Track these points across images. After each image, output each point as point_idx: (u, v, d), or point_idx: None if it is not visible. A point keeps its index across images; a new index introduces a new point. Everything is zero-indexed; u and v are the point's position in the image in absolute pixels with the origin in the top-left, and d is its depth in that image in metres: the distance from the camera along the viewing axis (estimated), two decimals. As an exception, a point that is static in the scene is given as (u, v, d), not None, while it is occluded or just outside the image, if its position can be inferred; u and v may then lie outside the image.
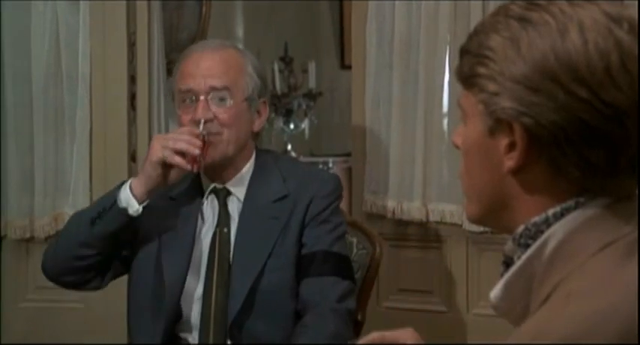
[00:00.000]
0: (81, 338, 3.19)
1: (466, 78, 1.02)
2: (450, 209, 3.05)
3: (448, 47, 3.04)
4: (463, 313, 3.10)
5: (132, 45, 3.26)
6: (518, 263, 1.00)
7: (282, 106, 5.32)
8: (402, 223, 3.14)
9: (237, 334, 2.05)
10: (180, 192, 2.15)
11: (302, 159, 4.88)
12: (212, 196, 2.14)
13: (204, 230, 2.12)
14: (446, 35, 3.05)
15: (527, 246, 0.99)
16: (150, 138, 3.06)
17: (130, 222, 2.04)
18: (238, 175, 2.14)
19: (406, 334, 1.48)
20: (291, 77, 5.50)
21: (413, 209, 3.09)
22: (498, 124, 0.98)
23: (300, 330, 2.02)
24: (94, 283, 2.14)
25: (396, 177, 3.13)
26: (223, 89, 2.06)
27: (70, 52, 3.21)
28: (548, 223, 0.98)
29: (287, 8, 5.70)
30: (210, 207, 2.14)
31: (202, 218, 2.13)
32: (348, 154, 3.73)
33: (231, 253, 2.09)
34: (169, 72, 3.87)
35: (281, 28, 5.62)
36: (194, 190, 2.15)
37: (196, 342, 2.08)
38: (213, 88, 2.06)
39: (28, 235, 3.22)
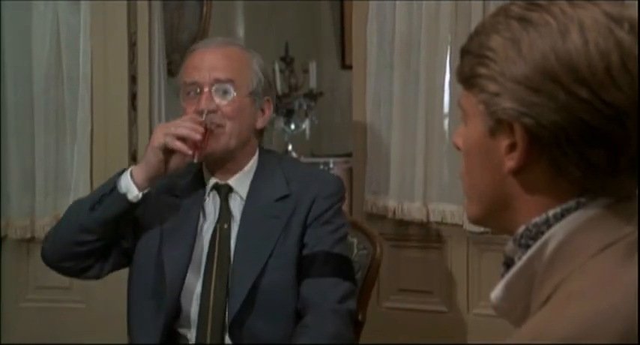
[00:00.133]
0: (81, 338, 3.19)
1: (467, 78, 1.02)
2: (450, 209, 3.05)
3: (449, 47, 3.04)
4: (463, 313, 3.10)
5: (133, 45, 3.26)
6: (518, 264, 1.00)
7: (282, 106, 5.31)
8: (402, 224, 3.15)
9: (237, 333, 2.05)
10: (183, 188, 2.16)
11: (303, 159, 4.88)
12: (214, 193, 2.15)
13: (205, 226, 2.13)
14: (447, 35, 3.05)
15: (528, 246, 0.99)
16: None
17: (130, 209, 2.04)
18: (240, 172, 2.15)
19: None
20: (291, 77, 5.49)
21: (413, 209, 3.10)
22: (499, 125, 0.98)
23: (300, 330, 2.02)
24: (93, 272, 2.14)
25: (396, 177, 3.13)
26: (227, 82, 2.08)
27: (71, 52, 3.21)
28: (548, 223, 0.98)
29: (288, 8, 5.69)
30: (211, 203, 2.14)
31: (204, 214, 2.14)
32: (349, 155, 3.73)
33: (232, 251, 2.09)
34: (170, 72, 3.89)
35: (282, 28, 5.62)
36: (196, 186, 2.16)
37: (195, 338, 2.08)
38: (217, 81, 2.07)
39: (28, 235, 3.23)
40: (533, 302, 0.98)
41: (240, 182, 2.14)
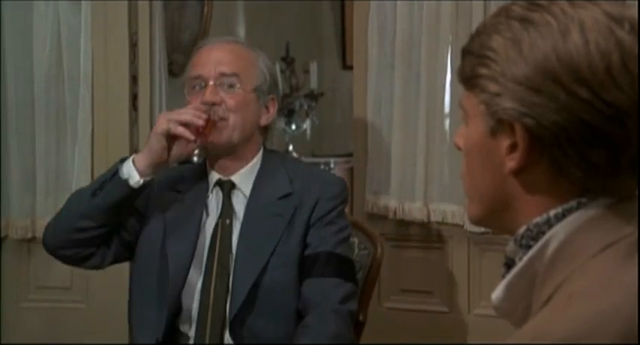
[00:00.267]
0: (82, 338, 3.19)
1: (468, 79, 1.02)
2: (451, 210, 3.05)
3: (450, 47, 3.04)
4: (464, 313, 3.10)
5: (133, 45, 3.26)
6: (519, 264, 1.00)
7: (283, 106, 5.31)
8: (403, 224, 3.15)
9: (238, 331, 2.05)
10: (186, 184, 2.17)
11: (303, 159, 4.88)
12: (217, 189, 2.16)
13: (208, 222, 2.14)
14: (447, 35, 3.05)
15: (529, 247, 0.99)
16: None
17: (131, 195, 2.05)
18: (244, 169, 2.16)
19: None
20: (292, 77, 5.49)
21: (414, 209, 3.10)
22: (500, 125, 0.98)
23: (301, 330, 2.02)
24: (94, 261, 2.14)
25: (397, 177, 3.13)
26: (232, 76, 2.10)
27: (72, 52, 3.21)
28: (549, 223, 0.98)
29: (288, 8, 5.70)
30: (215, 199, 2.15)
31: (207, 210, 2.15)
32: (350, 155, 3.73)
33: (234, 248, 2.10)
34: (171, 72, 3.90)
35: (282, 28, 5.62)
36: (200, 182, 2.17)
37: (194, 334, 2.08)
38: (222, 74, 2.10)
39: (29, 235, 3.23)
40: (535, 302, 0.97)
41: (244, 179, 2.15)
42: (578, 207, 0.97)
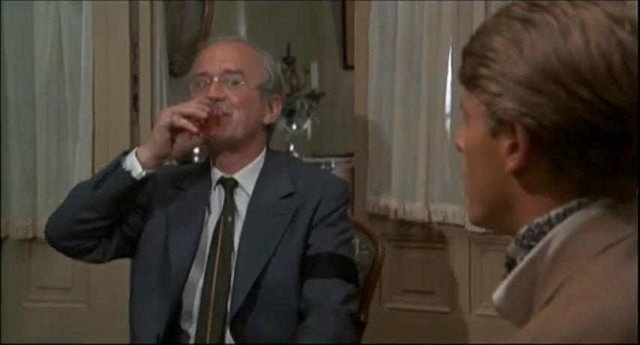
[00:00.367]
0: (82, 338, 3.19)
1: (468, 79, 1.02)
2: (452, 210, 3.05)
3: (451, 47, 3.04)
4: (465, 313, 3.10)
5: (134, 45, 3.26)
6: (520, 265, 1.00)
7: (284, 106, 5.31)
8: (404, 224, 3.14)
9: (239, 330, 2.06)
10: (190, 182, 2.19)
11: (304, 159, 4.88)
12: (220, 187, 2.17)
13: (210, 219, 2.14)
14: (448, 35, 3.04)
15: (530, 247, 0.99)
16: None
17: (133, 187, 2.06)
18: (247, 168, 2.17)
19: None
20: (293, 78, 5.49)
21: (415, 210, 3.09)
22: (500, 125, 0.98)
23: (302, 331, 2.02)
24: (96, 254, 2.14)
25: (398, 177, 3.13)
26: (237, 73, 2.13)
27: (73, 52, 3.21)
28: (550, 224, 0.98)
29: (289, 8, 5.69)
30: (217, 197, 2.16)
31: (209, 208, 2.16)
32: (351, 155, 3.73)
33: (236, 246, 2.10)
34: (172, 72, 3.89)
35: (283, 28, 5.62)
36: (203, 180, 2.18)
37: (195, 331, 2.08)
38: (227, 71, 2.12)
39: (30, 235, 3.23)
40: (536, 303, 0.98)
41: (246, 177, 2.16)
42: (579, 207, 0.97)
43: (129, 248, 2.18)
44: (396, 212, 3.12)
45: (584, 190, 0.97)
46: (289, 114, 5.26)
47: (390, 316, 3.15)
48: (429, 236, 3.15)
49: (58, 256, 3.24)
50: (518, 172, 0.98)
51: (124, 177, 2.04)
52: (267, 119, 2.19)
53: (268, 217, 2.11)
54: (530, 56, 0.95)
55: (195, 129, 2.03)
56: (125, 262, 3.07)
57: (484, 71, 0.99)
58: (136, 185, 2.05)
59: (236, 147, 2.14)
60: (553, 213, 0.98)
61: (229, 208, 2.14)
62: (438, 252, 3.14)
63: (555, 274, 0.96)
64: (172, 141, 2.06)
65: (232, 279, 2.08)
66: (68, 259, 3.23)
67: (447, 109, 3.06)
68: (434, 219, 3.10)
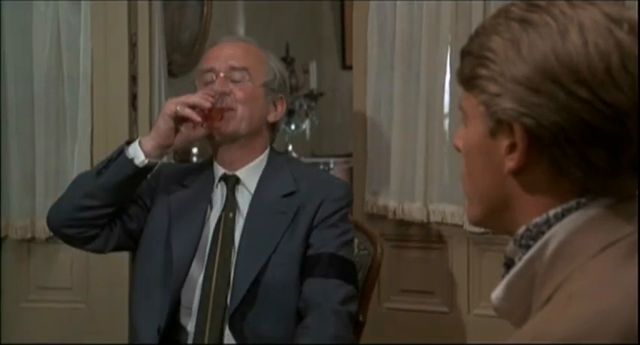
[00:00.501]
0: (82, 338, 3.19)
1: (467, 80, 1.02)
2: (451, 210, 3.05)
3: (449, 47, 3.04)
4: (464, 313, 3.10)
5: (133, 45, 3.26)
6: (519, 264, 1.00)
7: (284, 106, 5.31)
8: (403, 224, 3.14)
9: (238, 327, 2.06)
10: (192, 179, 2.21)
11: (303, 159, 4.88)
12: (222, 184, 2.18)
13: (212, 215, 2.16)
14: (447, 35, 3.04)
15: (529, 247, 0.99)
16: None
17: (136, 174, 2.07)
18: (250, 165, 2.18)
19: None
20: (292, 78, 5.48)
21: (414, 210, 3.09)
22: (499, 125, 0.98)
23: (301, 331, 2.03)
24: (97, 243, 2.15)
25: (397, 177, 3.13)
26: (242, 69, 2.16)
27: (72, 52, 3.21)
28: (549, 223, 0.98)
29: (288, 8, 5.69)
30: (219, 194, 2.18)
31: (211, 204, 2.17)
32: (350, 155, 3.73)
33: (237, 243, 2.11)
34: (171, 72, 3.89)
35: (282, 28, 5.62)
36: (206, 177, 2.20)
37: (194, 327, 2.09)
38: (232, 68, 2.16)
39: (29, 236, 3.23)
40: (535, 302, 0.98)
41: (249, 175, 2.17)
42: (578, 207, 0.97)
43: (130, 241, 2.20)
44: (394, 212, 3.12)
45: (583, 190, 0.97)
46: (288, 114, 5.26)
47: (388, 316, 3.15)
48: (428, 236, 3.15)
49: (57, 256, 3.26)
50: (517, 172, 0.98)
51: (126, 165, 2.06)
52: (271, 117, 2.21)
53: (270, 215, 2.12)
54: (529, 56, 0.95)
55: (199, 118, 2.05)
56: (124, 262, 3.08)
57: (483, 72, 0.99)
58: (139, 173, 2.07)
59: (239, 143, 2.16)
60: (552, 213, 0.98)
61: (230, 204, 2.15)
62: (436, 252, 3.14)
63: (554, 274, 0.96)
64: (176, 131, 2.08)
65: (232, 275, 2.08)
66: (67, 259, 3.24)
67: (446, 109, 3.06)
68: (432, 219, 3.10)
